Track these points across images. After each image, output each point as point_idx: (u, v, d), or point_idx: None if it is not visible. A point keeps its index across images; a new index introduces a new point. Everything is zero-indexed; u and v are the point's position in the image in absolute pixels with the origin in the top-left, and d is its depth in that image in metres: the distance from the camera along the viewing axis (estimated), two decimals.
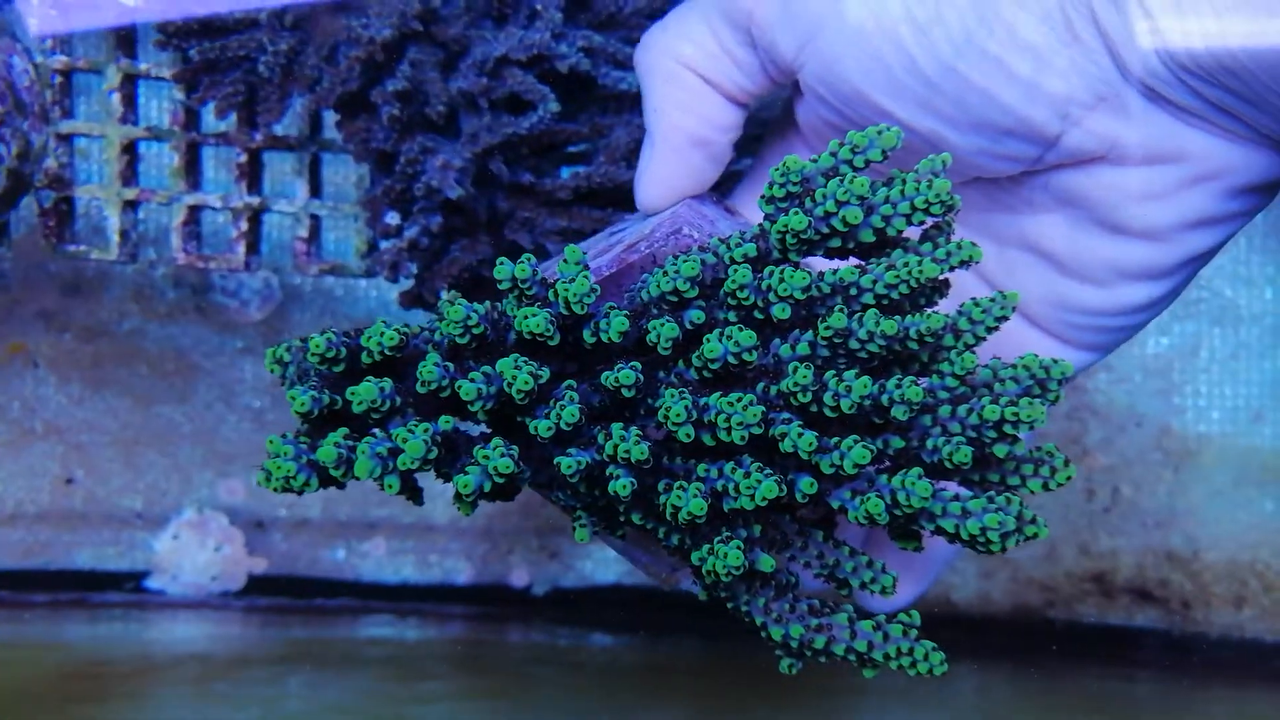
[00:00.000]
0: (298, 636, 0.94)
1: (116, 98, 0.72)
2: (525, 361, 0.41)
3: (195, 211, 0.74)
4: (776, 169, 0.45)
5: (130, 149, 0.73)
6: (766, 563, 0.43)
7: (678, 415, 0.41)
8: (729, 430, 0.41)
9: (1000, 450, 0.42)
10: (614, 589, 0.96)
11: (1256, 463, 0.89)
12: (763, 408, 0.41)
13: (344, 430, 0.40)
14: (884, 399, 0.42)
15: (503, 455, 0.40)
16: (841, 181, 0.44)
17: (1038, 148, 0.46)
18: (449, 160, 0.62)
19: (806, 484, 0.42)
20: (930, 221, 0.45)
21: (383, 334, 0.41)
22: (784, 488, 0.41)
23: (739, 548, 0.41)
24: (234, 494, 0.94)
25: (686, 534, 0.44)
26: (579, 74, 0.63)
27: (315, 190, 0.74)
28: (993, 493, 0.43)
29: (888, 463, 0.44)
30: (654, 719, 0.87)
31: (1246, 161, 0.45)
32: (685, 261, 0.44)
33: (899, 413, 0.41)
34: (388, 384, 0.41)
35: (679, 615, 0.94)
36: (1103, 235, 0.48)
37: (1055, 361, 0.44)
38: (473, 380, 0.41)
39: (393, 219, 0.67)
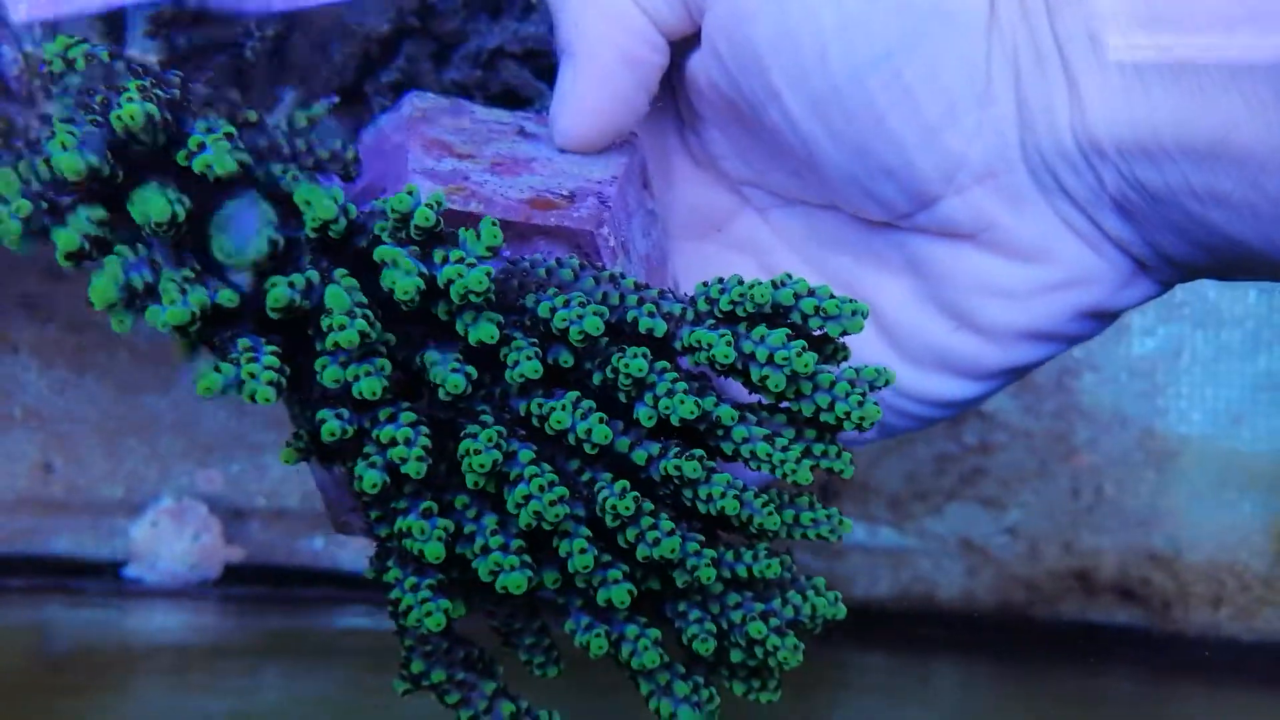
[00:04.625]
0: (275, 627, 0.94)
1: None
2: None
3: None
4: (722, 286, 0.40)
5: None
6: (434, 537, 0.37)
7: (405, 290, 0.36)
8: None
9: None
10: None
11: (1236, 465, 0.90)
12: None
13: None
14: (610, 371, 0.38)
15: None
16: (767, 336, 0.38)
17: (911, 203, 0.42)
18: None
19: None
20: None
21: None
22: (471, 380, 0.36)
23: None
24: (212, 483, 0.94)
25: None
26: None
27: None
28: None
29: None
30: (630, 714, 0.88)
31: (1111, 282, 0.43)
32: (592, 314, 0.37)
33: (623, 384, 0.37)
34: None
35: None
36: (939, 317, 0.45)
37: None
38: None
39: None
